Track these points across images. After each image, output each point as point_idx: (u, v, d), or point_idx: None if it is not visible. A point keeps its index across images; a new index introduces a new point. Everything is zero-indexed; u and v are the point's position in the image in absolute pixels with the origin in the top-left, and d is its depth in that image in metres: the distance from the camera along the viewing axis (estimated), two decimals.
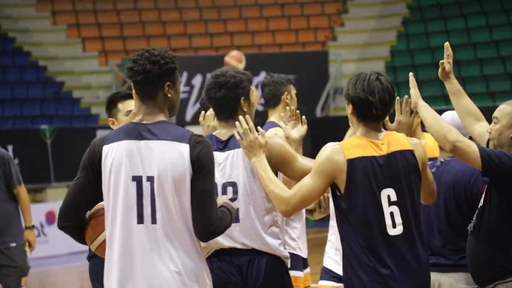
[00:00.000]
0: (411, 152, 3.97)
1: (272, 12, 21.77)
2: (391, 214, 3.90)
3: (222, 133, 4.29)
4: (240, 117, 4.18)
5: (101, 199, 3.71)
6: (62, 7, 21.10)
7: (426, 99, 4.46)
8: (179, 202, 3.59)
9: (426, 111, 4.36)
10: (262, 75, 19.30)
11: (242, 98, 4.28)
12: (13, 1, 20.70)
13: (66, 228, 3.75)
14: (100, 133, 13.03)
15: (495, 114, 4.44)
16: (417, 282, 3.91)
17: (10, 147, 13.94)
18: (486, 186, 4.42)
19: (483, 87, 17.61)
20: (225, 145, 4.25)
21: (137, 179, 3.61)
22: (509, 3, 19.37)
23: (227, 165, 4.22)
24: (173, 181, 3.59)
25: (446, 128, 4.27)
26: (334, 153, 3.91)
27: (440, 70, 4.53)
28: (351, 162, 3.89)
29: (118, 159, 3.62)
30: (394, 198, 3.91)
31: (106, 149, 3.65)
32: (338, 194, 3.92)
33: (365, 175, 3.89)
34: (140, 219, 3.60)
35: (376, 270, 3.85)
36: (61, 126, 16.21)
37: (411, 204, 3.93)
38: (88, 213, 3.78)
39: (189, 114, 18.18)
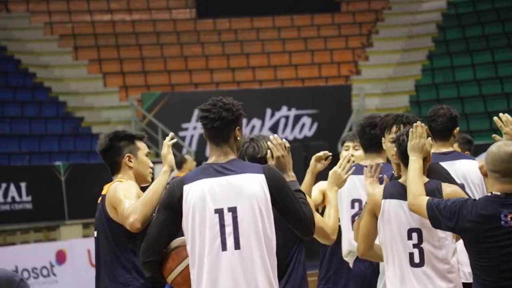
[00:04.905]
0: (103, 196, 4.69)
1: (295, 47, 21.50)
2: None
3: (368, 162, 5.38)
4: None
5: (178, 235, 4.15)
6: (85, 42, 21.00)
7: None
8: (262, 227, 4.00)
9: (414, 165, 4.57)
10: (284, 110, 19.01)
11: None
12: (35, 36, 20.62)
13: (149, 263, 4.15)
14: None
15: None
16: None
17: (23, 184, 13.66)
18: None
19: None
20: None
21: (219, 211, 4.00)
22: None
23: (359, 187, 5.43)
24: (253, 209, 3.99)
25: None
26: None
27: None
28: None
29: (200, 195, 4.03)
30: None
31: (187, 188, 4.06)
32: None
33: None
34: (224, 247, 3.98)
35: None
36: (76, 162, 15.93)
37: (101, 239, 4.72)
38: (169, 246, 4.17)
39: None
